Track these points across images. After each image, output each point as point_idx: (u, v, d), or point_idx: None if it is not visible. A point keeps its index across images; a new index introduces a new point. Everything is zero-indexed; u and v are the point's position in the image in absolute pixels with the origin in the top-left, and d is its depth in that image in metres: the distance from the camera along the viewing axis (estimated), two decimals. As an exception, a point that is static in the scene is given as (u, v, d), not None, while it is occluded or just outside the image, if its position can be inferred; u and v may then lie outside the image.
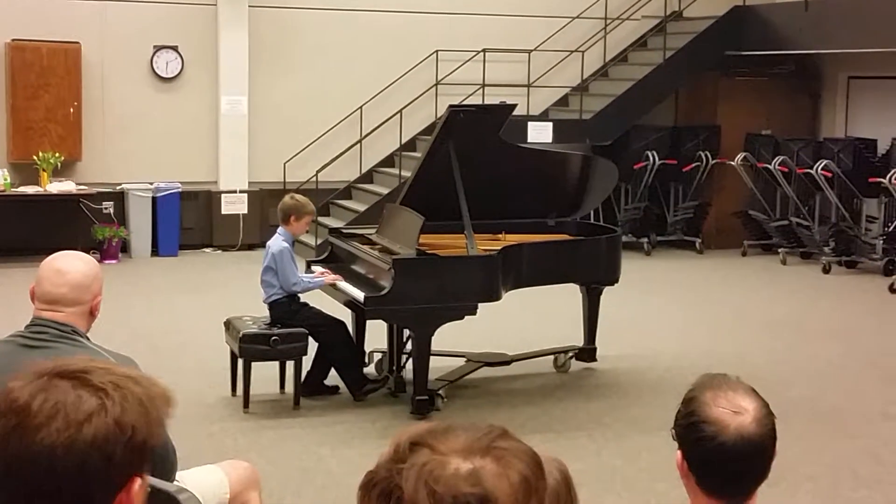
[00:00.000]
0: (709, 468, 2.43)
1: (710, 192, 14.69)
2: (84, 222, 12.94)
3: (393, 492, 1.40)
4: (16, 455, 1.49)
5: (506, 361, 8.25)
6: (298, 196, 7.76)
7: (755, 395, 2.46)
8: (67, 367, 1.57)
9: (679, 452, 2.48)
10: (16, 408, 1.51)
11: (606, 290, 8.36)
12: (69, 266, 3.50)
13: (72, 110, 12.98)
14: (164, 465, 3.51)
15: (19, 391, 1.53)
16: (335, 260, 8.10)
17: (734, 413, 2.41)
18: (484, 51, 14.02)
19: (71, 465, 1.49)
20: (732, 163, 14.11)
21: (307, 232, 9.15)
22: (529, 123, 13.40)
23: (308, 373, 7.61)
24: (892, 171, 12.43)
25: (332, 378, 7.71)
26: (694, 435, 2.43)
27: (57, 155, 12.68)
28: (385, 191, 13.12)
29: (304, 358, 7.44)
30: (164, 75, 13.64)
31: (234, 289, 11.13)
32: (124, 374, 1.60)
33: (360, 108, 13.91)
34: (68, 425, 1.50)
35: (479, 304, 7.28)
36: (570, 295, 8.73)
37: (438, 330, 7.23)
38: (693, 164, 14.29)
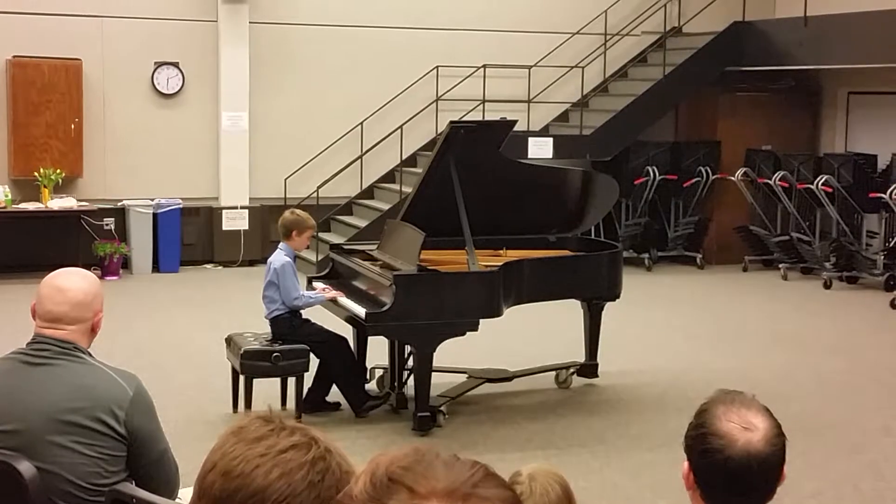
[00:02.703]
0: (713, 481, 2.43)
1: (711, 207, 14.70)
2: (85, 238, 12.94)
3: None
4: None
5: (507, 378, 8.23)
6: (299, 211, 7.77)
7: (768, 415, 2.46)
8: None
9: (686, 463, 2.48)
10: None
11: (608, 305, 8.35)
12: (70, 284, 3.50)
13: (73, 127, 12.99)
14: (168, 483, 3.51)
15: None
16: (336, 276, 8.10)
17: (744, 429, 2.41)
18: (484, 66, 14.05)
19: None
20: (733, 178, 14.12)
21: (308, 247, 9.17)
22: (530, 139, 13.41)
23: (309, 389, 7.60)
24: (893, 187, 12.42)
25: (334, 394, 7.71)
26: (701, 446, 2.43)
27: (58, 171, 12.69)
28: (386, 206, 13.13)
29: (305, 374, 7.43)
30: (164, 91, 13.66)
31: (236, 305, 11.12)
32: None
33: (361, 123, 13.93)
34: None
35: (481, 320, 7.28)
36: (571, 311, 8.73)
37: (440, 346, 7.23)
38: (693, 180, 14.29)
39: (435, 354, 7.20)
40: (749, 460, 2.38)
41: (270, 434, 1.71)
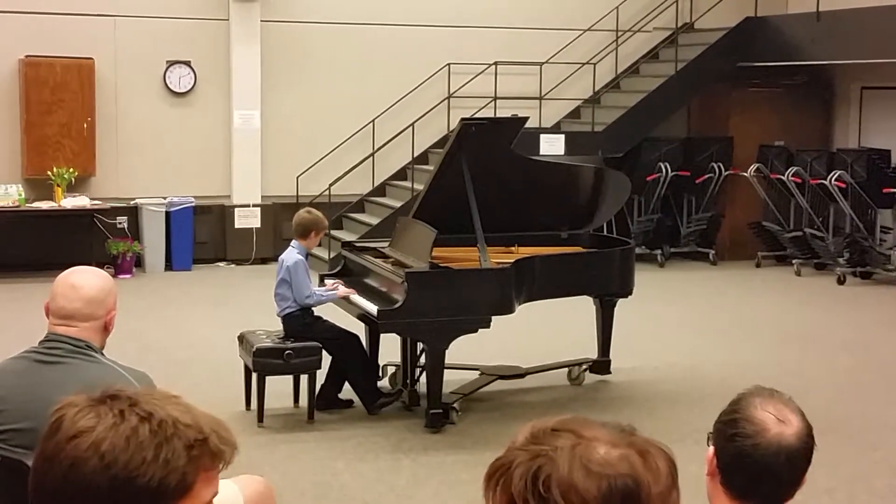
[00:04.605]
0: (737, 467, 2.42)
1: (724, 203, 14.66)
2: (98, 237, 12.98)
3: (539, 472, 1.39)
4: None
5: (520, 374, 8.23)
6: (313, 210, 7.79)
7: (803, 416, 2.48)
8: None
9: (712, 448, 2.47)
10: None
11: (620, 302, 8.34)
12: (83, 281, 3.50)
13: (85, 126, 13.03)
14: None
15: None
16: (348, 273, 8.10)
17: (779, 420, 2.42)
18: (496, 63, 14.04)
19: None
20: (745, 174, 14.09)
21: (319, 245, 9.19)
22: (541, 136, 13.40)
23: (322, 387, 7.61)
24: (906, 182, 12.40)
25: (347, 392, 7.71)
26: (732, 430, 2.42)
27: (71, 170, 12.72)
28: (398, 204, 13.13)
29: (318, 372, 7.44)
30: (176, 90, 13.69)
31: (248, 303, 11.14)
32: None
33: (373, 121, 13.94)
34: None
35: (493, 317, 7.27)
36: (583, 307, 8.72)
37: (452, 343, 7.23)
38: (706, 176, 14.26)
39: (447, 351, 7.21)
40: (779, 450, 2.39)
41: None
